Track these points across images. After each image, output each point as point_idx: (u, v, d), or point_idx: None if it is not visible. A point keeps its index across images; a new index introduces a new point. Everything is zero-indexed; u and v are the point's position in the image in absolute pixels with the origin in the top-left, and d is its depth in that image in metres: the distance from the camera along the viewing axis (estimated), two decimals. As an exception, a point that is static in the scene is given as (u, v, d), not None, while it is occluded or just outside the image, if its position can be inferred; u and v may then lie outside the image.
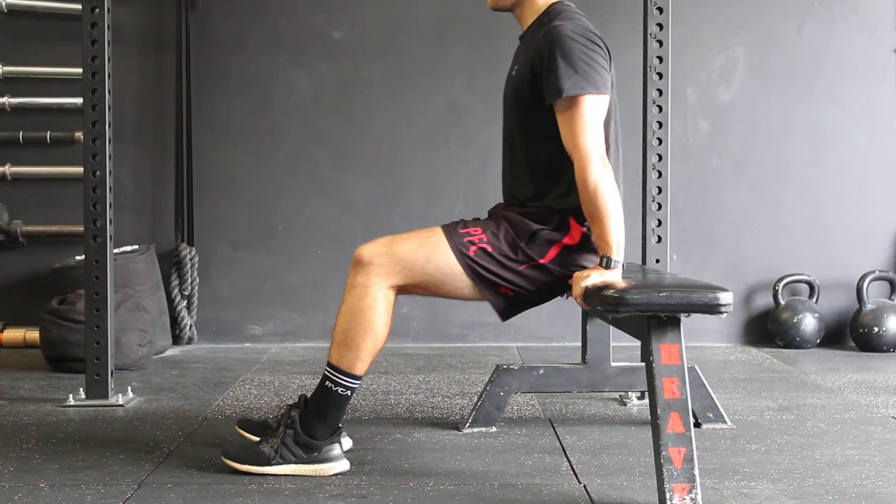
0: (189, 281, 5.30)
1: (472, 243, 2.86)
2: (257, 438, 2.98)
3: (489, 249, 2.86)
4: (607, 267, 2.74)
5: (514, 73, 2.99)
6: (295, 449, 2.88)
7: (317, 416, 2.88)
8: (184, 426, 3.48)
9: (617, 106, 2.97)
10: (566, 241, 2.88)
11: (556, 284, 2.92)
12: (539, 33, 2.88)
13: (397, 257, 2.85)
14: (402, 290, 2.90)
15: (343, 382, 2.86)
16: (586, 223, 2.89)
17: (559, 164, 2.89)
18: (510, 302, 2.92)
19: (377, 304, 2.84)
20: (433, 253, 2.86)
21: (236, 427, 3.22)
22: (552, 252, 2.88)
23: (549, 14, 2.95)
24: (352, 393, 2.89)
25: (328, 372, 2.88)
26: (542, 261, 2.87)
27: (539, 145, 2.92)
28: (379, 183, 5.42)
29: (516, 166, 3.00)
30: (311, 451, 2.88)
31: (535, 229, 2.87)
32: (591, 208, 2.75)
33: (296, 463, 2.88)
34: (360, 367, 2.87)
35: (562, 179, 2.90)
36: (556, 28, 2.83)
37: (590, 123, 2.78)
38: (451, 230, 2.90)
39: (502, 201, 3.11)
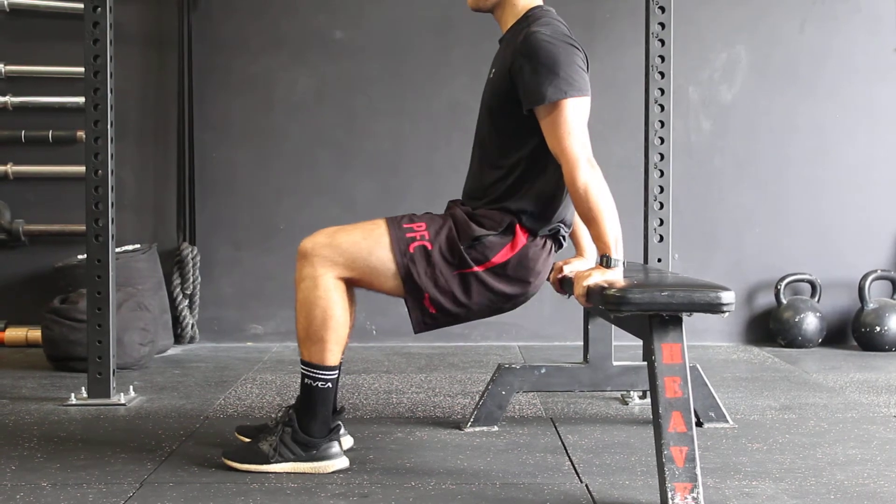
0: (191, 280, 5.30)
1: (414, 240, 2.83)
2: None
3: (429, 248, 2.83)
4: (608, 266, 2.73)
5: (492, 76, 2.97)
6: (293, 447, 2.88)
7: (308, 413, 2.89)
8: (185, 425, 3.48)
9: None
10: (503, 253, 2.84)
11: (477, 302, 2.87)
12: (517, 38, 2.85)
13: (340, 248, 2.83)
14: (348, 283, 2.88)
15: (320, 376, 2.86)
16: (533, 233, 2.87)
17: (528, 168, 2.87)
18: (430, 318, 2.87)
19: (329, 292, 2.83)
20: (376, 246, 2.84)
21: (236, 433, 3.22)
22: (489, 264, 2.84)
23: (527, 19, 2.92)
24: (332, 384, 2.88)
25: (303, 369, 2.89)
26: (476, 268, 2.84)
27: (511, 149, 2.89)
28: (381, 182, 5.43)
29: (486, 168, 2.95)
30: (310, 448, 2.88)
31: (477, 234, 2.84)
32: (585, 210, 2.74)
33: (295, 461, 2.88)
34: (330, 359, 2.86)
35: (526, 183, 2.87)
36: (533, 34, 2.81)
37: (574, 126, 2.75)
38: (395, 224, 2.87)
39: (460, 198, 3.06)
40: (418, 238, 2.84)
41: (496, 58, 3.01)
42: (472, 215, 2.89)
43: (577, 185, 2.72)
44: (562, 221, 2.94)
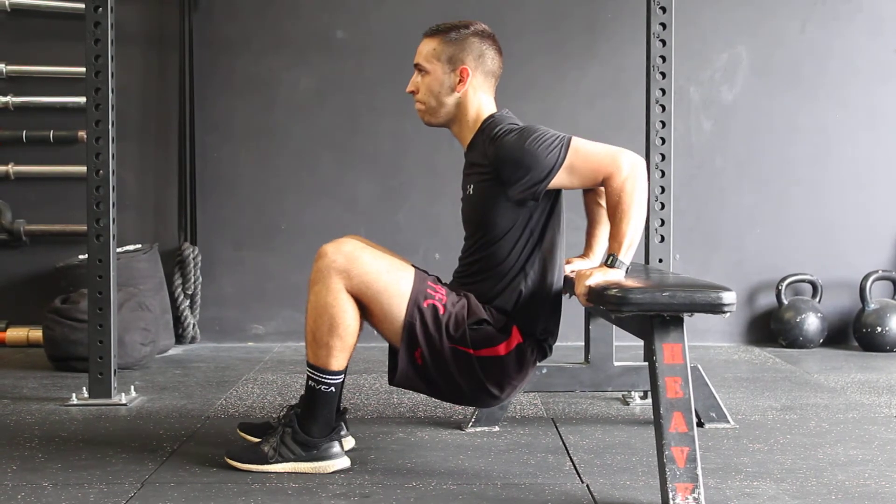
0: (192, 280, 5.30)
1: (431, 297, 2.83)
2: (258, 440, 2.99)
3: (440, 312, 2.83)
4: (611, 266, 2.73)
5: (470, 192, 2.95)
6: (294, 447, 2.88)
7: (310, 414, 2.89)
8: (186, 425, 3.48)
9: (563, 208, 2.96)
10: (498, 349, 2.85)
11: (458, 378, 2.85)
12: (489, 152, 2.86)
13: (359, 270, 2.80)
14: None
15: (324, 380, 2.86)
16: (526, 335, 2.87)
17: (519, 270, 2.88)
18: (413, 371, 2.85)
19: (339, 301, 2.81)
20: (393, 287, 2.82)
21: (238, 430, 3.22)
22: (483, 352, 2.84)
23: (485, 130, 2.93)
24: (336, 388, 2.88)
25: (308, 371, 2.89)
26: (471, 350, 2.83)
27: (501, 255, 2.88)
28: (382, 183, 5.43)
29: (477, 274, 2.94)
30: (310, 448, 2.88)
31: (483, 318, 2.85)
32: (617, 199, 2.75)
33: (295, 461, 2.88)
34: (335, 364, 2.85)
35: (517, 284, 2.88)
36: (502, 141, 2.83)
37: (594, 149, 2.80)
38: (421, 277, 2.87)
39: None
40: (436, 300, 2.84)
41: (467, 175, 2.99)
42: (480, 304, 2.89)
43: (623, 166, 2.75)
44: (552, 319, 2.94)
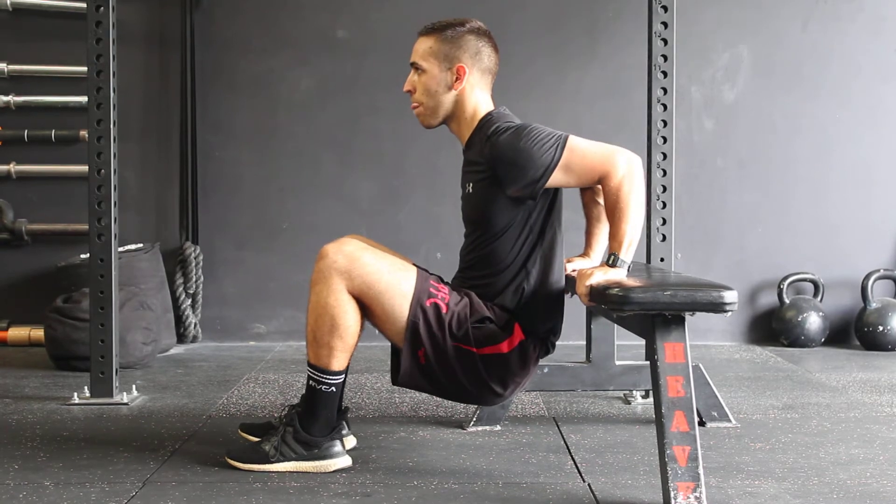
0: (194, 279, 5.31)
1: (433, 296, 2.82)
2: (259, 440, 2.99)
3: (443, 311, 2.82)
4: (612, 265, 2.73)
5: (469, 191, 2.95)
6: (295, 446, 2.88)
7: (311, 414, 2.89)
8: (188, 424, 3.48)
9: (562, 205, 2.96)
10: (501, 346, 2.84)
11: (461, 377, 2.85)
12: (485, 151, 2.86)
13: (360, 270, 2.80)
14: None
15: (325, 380, 2.86)
16: (529, 333, 2.87)
17: (520, 269, 2.88)
18: (417, 368, 2.84)
19: (340, 301, 2.80)
20: (395, 287, 2.81)
21: (239, 431, 3.22)
22: (486, 350, 2.84)
23: (483, 128, 2.92)
24: (337, 388, 2.88)
25: (309, 371, 2.88)
26: (474, 349, 2.82)
27: (502, 254, 2.88)
28: (384, 182, 5.43)
29: (479, 270, 2.94)
30: (311, 448, 2.88)
31: (486, 315, 2.84)
32: (615, 199, 2.74)
33: (296, 460, 2.88)
34: (335, 364, 2.85)
35: (518, 281, 2.88)
36: (497, 140, 2.82)
37: (590, 148, 2.79)
38: (424, 276, 2.86)
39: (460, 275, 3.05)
40: (438, 299, 2.83)
41: (466, 173, 2.99)
42: (482, 302, 2.89)
43: (619, 166, 2.74)
44: (554, 316, 2.93)
